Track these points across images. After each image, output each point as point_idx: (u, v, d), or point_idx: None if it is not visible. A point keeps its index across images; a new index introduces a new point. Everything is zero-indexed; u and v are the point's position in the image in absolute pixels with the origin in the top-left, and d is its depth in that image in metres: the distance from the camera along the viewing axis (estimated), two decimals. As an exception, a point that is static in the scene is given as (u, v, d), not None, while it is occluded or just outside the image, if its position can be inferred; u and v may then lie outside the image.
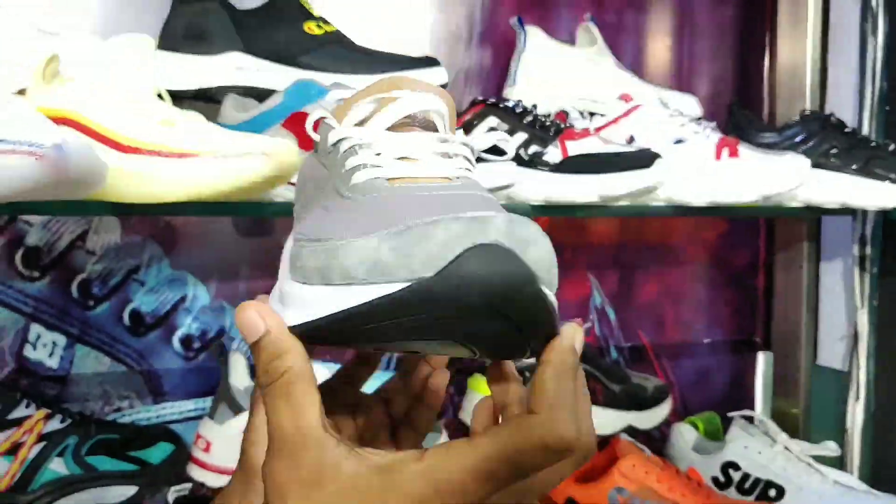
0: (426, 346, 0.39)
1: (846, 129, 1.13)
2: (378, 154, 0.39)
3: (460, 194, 0.37)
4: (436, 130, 0.43)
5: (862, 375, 1.31)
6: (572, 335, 0.38)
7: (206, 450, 0.95)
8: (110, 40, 0.78)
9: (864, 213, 1.28)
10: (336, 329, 0.35)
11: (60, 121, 0.72)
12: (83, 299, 1.02)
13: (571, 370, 0.37)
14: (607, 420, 1.14)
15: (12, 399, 0.90)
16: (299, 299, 0.36)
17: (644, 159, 0.89)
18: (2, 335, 0.98)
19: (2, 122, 0.61)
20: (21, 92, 0.79)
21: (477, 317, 0.32)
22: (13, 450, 0.87)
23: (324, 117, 0.43)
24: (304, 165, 0.46)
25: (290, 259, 0.38)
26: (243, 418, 0.94)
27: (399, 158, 0.39)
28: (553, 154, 0.91)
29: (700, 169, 0.98)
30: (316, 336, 0.36)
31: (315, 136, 0.43)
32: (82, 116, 0.71)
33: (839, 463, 1.27)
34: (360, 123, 0.42)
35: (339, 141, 0.41)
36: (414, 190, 0.37)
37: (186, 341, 1.07)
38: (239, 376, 0.97)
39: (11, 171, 0.58)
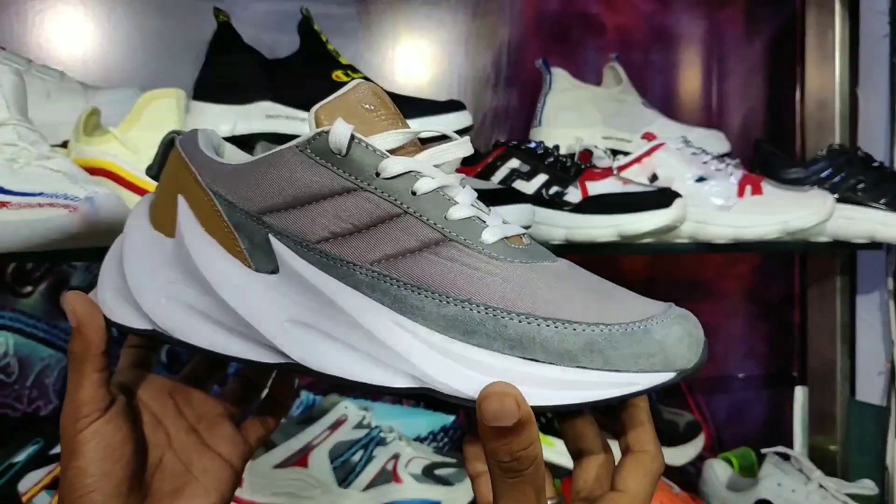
0: None
1: (874, 163, 1.13)
2: (474, 205, 0.40)
3: (576, 271, 0.40)
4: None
5: (901, 411, 1.29)
6: None
7: (240, 485, 0.97)
8: (146, 94, 0.83)
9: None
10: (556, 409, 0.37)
11: (97, 171, 0.77)
12: (122, 338, 1.05)
13: None
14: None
15: (55, 435, 0.94)
16: (508, 371, 0.36)
17: (663, 199, 0.90)
18: (47, 373, 1.02)
19: (42, 177, 0.66)
20: (64, 144, 0.84)
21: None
22: (54, 484, 0.90)
23: (358, 137, 0.40)
24: (288, 163, 0.40)
25: (418, 305, 0.37)
26: (275, 454, 0.97)
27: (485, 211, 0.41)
28: (573, 194, 0.93)
29: (722, 206, 0.99)
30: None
31: (338, 141, 0.39)
32: (116, 166, 0.76)
33: (878, 502, 1.24)
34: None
35: (413, 175, 0.40)
36: (540, 256, 0.40)
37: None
38: (271, 413, 1.00)
39: (48, 223, 0.63)
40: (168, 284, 0.43)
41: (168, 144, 0.47)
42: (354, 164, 0.39)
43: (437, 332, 0.37)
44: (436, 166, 0.41)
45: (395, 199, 0.39)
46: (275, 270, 0.41)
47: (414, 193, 0.39)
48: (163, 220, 0.45)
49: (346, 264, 0.39)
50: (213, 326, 0.42)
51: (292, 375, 0.54)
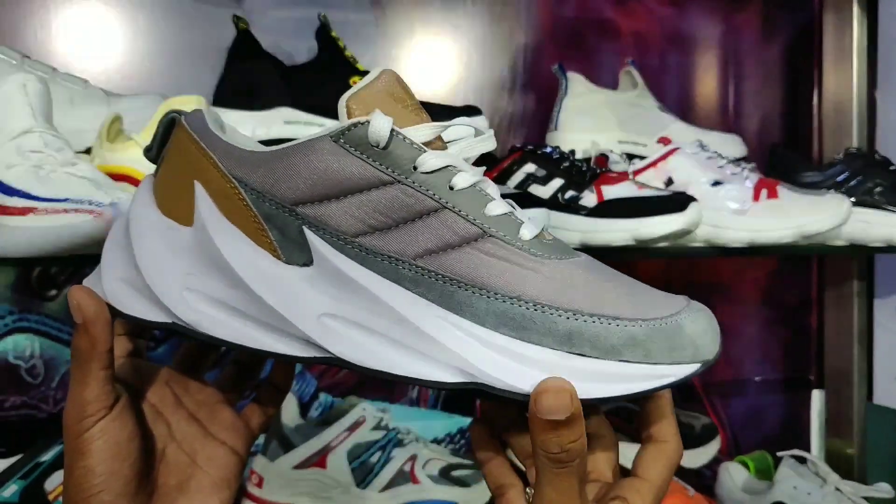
0: None
1: (892, 167, 1.13)
2: (508, 202, 0.41)
3: (597, 264, 0.41)
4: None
5: (919, 414, 1.29)
6: None
7: (259, 485, 0.99)
8: (167, 101, 0.84)
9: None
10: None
11: (120, 177, 0.78)
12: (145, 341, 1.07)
13: None
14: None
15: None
16: (559, 366, 0.37)
17: (678, 203, 0.91)
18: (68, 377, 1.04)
19: (68, 183, 0.67)
20: (88, 150, 0.86)
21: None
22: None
23: (397, 131, 0.39)
24: (321, 152, 0.39)
25: (476, 305, 0.38)
26: (294, 455, 0.98)
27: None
28: (588, 198, 0.93)
29: (738, 210, 0.99)
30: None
31: (377, 134, 0.39)
32: (138, 172, 0.77)
33: (895, 505, 1.24)
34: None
35: (451, 170, 0.40)
36: (567, 252, 0.41)
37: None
38: (290, 415, 1.01)
39: (74, 228, 0.64)
40: (187, 276, 0.42)
41: (169, 124, 0.45)
42: (392, 158, 0.39)
43: (487, 327, 0.38)
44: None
45: (434, 194, 0.39)
46: (307, 263, 0.40)
47: (451, 188, 0.39)
48: (173, 207, 0.43)
49: (388, 259, 0.39)
50: (241, 320, 0.41)
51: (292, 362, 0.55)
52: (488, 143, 0.42)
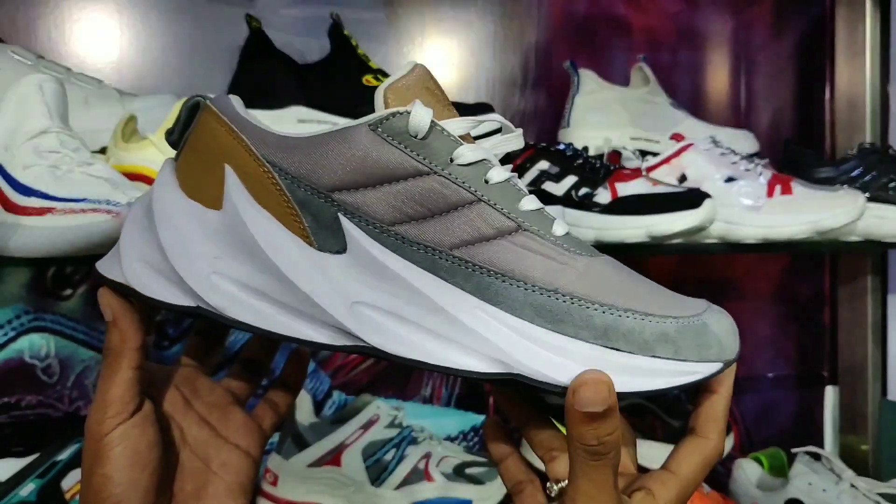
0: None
1: (905, 162, 1.13)
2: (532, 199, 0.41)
3: (621, 265, 0.42)
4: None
5: (934, 410, 1.28)
6: None
7: (274, 483, 0.99)
8: (182, 100, 0.84)
9: (930, 244, 1.26)
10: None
11: (135, 177, 0.79)
12: (159, 339, 1.08)
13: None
14: (667, 455, 1.14)
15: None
16: (596, 360, 0.37)
17: (693, 199, 0.91)
18: (88, 374, 1.05)
19: (85, 183, 0.67)
20: (102, 150, 0.86)
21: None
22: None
23: (436, 123, 0.39)
24: (359, 140, 0.39)
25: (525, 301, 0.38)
26: (309, 453, 0.98)
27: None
28: (602, 195, 0.93)
29: (752, 206, 0.99)
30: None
31: (418, 124, 0.39)
32: (154, 172, 0.77)
33: (910, 501, 1.24)
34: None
35: (486, 164, 0.40)
36: (592, 250, 0.41)
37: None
38: (304, 413, 1.02)
39: (92, 228, 0.64)
40: (215, 259, 0.41)
41: (193, 108, 0.44)
42: (431, 149, 0.39)
43: (524, 319, 0.38)
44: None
45: (469, 186, 0.39)
46: (340, 251, 0.40)
47: (486, 182, 0.40)
48: (199, 190, 0.43)
49: (424, 248, 0.39)
50: (271, 305, 0.40)
51: (305, 358, 0.54)
52: (517, 142, 0.42)
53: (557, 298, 0.38)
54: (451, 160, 0.39)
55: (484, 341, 0.38)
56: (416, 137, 0.39)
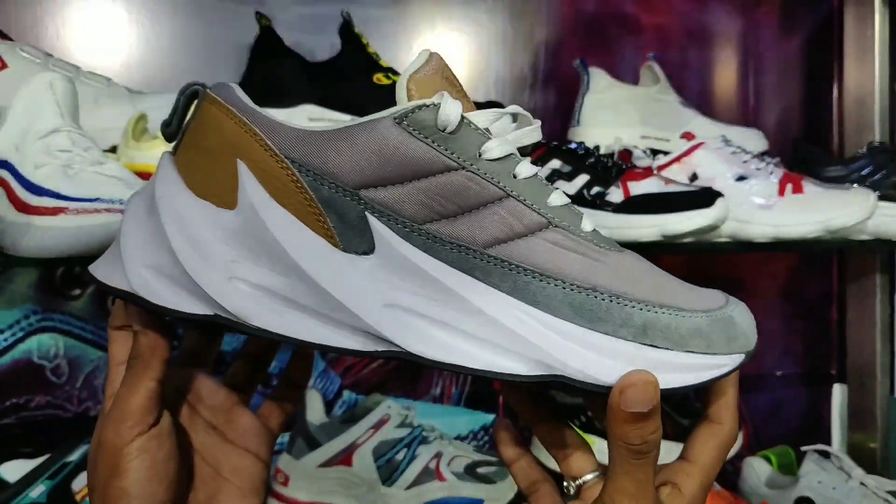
0: None
1: (916, 160, 1.12)
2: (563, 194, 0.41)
3: (644, 259, 0.42)
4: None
5: (943, 409, 1.28)
6: None
7: (285, 483, 0.98)
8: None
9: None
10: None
11: (147, 176, 0.78)
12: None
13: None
14: (676, 454, 1.14)
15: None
16: (637, 358, 0.37)
17: (705, 198, 0.90)
18: (97, 374, 1.04)
19: (97, 183, 0.67)
20: (113, 149, 0.85)
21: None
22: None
23: (466, 117, 0.38)
24: (383, 134, 0.37)
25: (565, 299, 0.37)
26: (319, 453, 0.98)
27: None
28: (615, 194, 0.93)
29: (763, 205, 0.99)
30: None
31: (447, 118, 0.37)
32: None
33: (919, 499, 1.23)
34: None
35: (514, 159, 0.39)
36: (618, 246, 0.41)
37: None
38: (315, 413, 1.01)
39: (106, 228, 0.64)
40: (231, 263, 0.38)
41: (191, 97, 0.41)
42: (459, 143, 0.37)
43: (564, 319, 0.37)
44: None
45: (498, 182, 0.38)
46: (367, 251, 0.38)
47: (515, 177, 0.38)
48: (207, 187, 0.39)
49: (457, 247, 0.37)
50: (296, 311, 0.38)
51: (311, 355, 0.52)
52: (535, 134, 0.41)
53: (596, 297, 0.37)
54: (479, 155, 0.38)
55: (524, 343, 0.36)
56: (443, 131, 0.37)
